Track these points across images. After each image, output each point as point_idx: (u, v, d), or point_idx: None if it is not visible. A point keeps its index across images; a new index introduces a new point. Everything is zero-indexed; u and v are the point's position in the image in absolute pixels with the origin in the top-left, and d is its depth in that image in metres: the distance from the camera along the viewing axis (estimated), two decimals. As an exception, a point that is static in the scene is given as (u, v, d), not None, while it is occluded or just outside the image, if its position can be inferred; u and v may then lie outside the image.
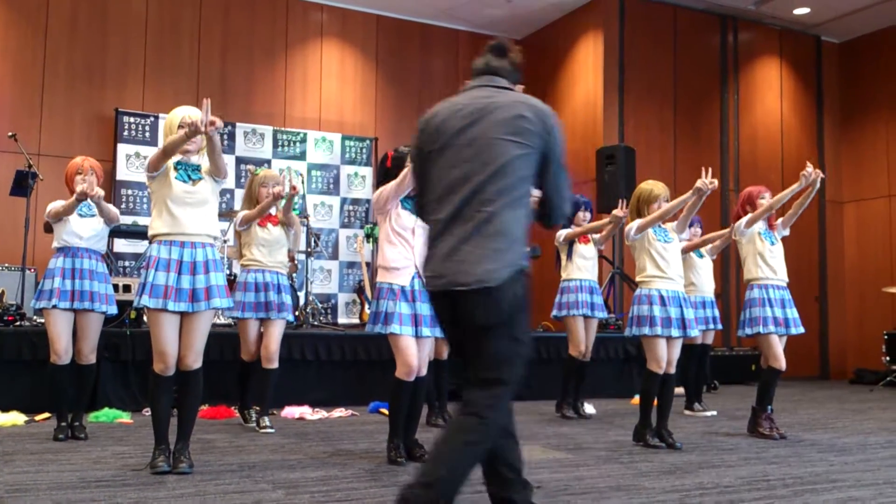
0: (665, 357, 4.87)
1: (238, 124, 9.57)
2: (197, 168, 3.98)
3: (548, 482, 3.77)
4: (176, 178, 3.89)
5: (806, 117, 11.47)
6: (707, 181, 4.79)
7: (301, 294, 8.10)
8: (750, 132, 10.99)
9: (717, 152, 10.73)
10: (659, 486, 3.73)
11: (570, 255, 6.25)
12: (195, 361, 3.90)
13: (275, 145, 9.76)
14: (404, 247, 4.17)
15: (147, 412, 5.73)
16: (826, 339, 11.30)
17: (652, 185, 5.04)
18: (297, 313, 7.25)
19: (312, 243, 8.27)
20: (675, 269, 4.93)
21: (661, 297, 4.85)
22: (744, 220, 5.42)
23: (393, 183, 4.15)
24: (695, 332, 4.98)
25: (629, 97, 10.10)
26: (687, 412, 6.67)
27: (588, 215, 6.34)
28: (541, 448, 4.79)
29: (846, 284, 11.45)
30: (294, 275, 7.93)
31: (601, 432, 5.51)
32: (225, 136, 9.48)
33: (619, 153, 9.09)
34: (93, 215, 4.85)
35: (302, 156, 9.89)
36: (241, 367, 5.55)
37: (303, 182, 9.19)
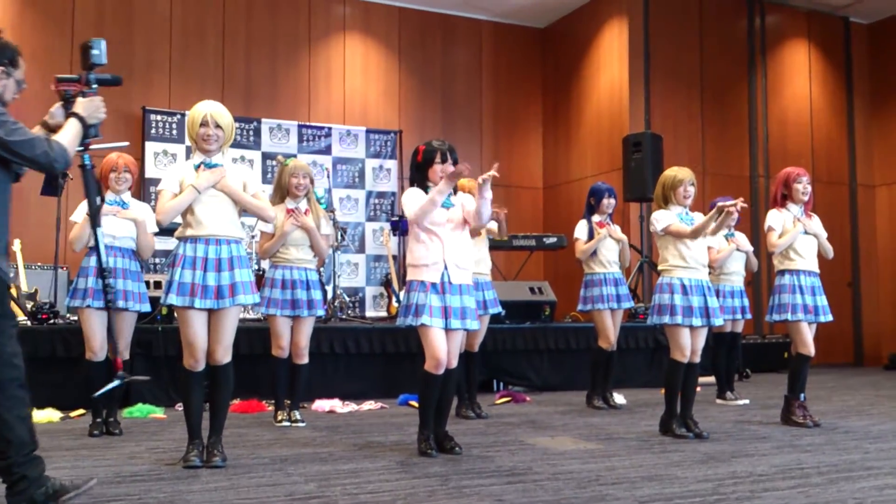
0: (689, 346, 4.83)
1: (263, 120, 9.63)
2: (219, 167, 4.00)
3: (579, 472, 3.76)
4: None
5: (835, 100, 11.29)
6: (737, 205, 4.78)
7: (329, 288, 8.14)
8: (779, 116, 10.84)
9: (746, 137, 10.61)
10: (692, 476, 3.70)
11: (593, 252, 6.19)
12: (224, 356, 3.94)
13: (300, 140, 9.81)
14: (434, 243, 4.17)
15: (180, 407, 5.79)
16: (860, 324, 11.15)
17: (676, 171, 5.00)
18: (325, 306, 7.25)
19: (339, 237, 8.29)
20: (698, 258, 4.88)
21: (683, 286, 4.81)
22: (768, 226, 5.29)
23: (427, 201, 4.12)
24: (719, 321, 4.91)
25: (655, 84, 10.00)
26: (719, 401, 6.62)
27: (613, 201, 6.30)
28: (571, 439, 4.78)
29: (879, 269, 11.27)
30: (321, 269, 7.94)
31: (632, 422, 5.48)
32: (251, 132, 9.55)
33: (645, 140, 9.00)
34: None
35: (327, 150, 9.93)
36: (274, 365, 5.35)
37: (328, 177, 9.23)
